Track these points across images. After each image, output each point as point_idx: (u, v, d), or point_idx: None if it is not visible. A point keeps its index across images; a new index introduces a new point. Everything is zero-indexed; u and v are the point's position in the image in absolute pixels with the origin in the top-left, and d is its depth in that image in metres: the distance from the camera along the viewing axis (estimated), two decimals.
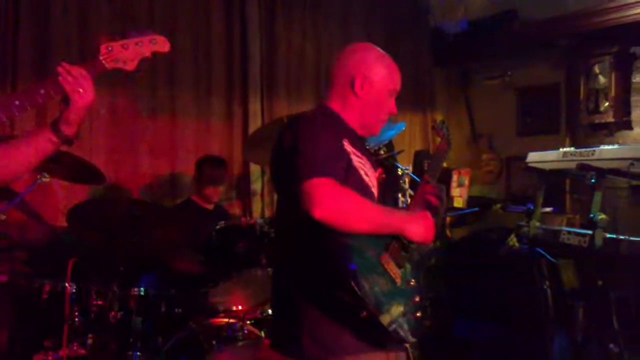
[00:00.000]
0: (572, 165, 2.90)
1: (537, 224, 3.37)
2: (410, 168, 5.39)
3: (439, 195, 2.16)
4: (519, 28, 5.02)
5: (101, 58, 1.80)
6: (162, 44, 1.89)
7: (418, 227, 1.95)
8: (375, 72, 2.04)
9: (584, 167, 2.74)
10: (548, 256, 3.18)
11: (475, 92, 5.73)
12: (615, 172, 2.68)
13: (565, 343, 3.46)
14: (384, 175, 2.11)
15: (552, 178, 3.29)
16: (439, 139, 2.51)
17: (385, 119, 2.12)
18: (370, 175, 2.01)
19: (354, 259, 1.79)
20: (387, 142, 3.94)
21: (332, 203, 1.75)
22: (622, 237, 2.71)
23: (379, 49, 2.12)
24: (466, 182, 5.49)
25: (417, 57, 5.59)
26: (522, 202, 4.27)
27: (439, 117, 5.85)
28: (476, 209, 4.76)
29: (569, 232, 3.02)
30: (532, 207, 3.24)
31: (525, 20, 5.03)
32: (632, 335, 2.81)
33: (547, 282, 3.58)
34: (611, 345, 2.84)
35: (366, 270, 1.80)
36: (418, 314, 1.94)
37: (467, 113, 5.77)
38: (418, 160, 5.40)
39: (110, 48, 1.81)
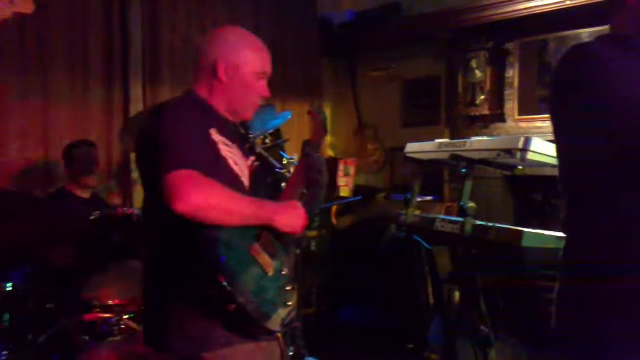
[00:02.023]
0: (447, 155, 3.01)
1: (415, 212, 3.48)
2: (297, 157, 5.44)
3: (319, 168, 2.17)
4: (402, 21, 5.15)
5: None
6: (23, 4, 1.74)
7: (288, 218, 1.93)
8: (239, 55, 1.99)
9: (455, 157, 2.85)
10: (424, 243, 3.29)
11: (362, 83, 5.83)
12: (484, 162, 2.80)
13: (441, 326, 3.61)
14: (256, 164, 2.09)
15: (430, 168, 3.39)
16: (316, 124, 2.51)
17: (256, 102, 2.07)
18: (240, 164, 1.97)
19: (222, 252, 1.75)
20: (272, 130, 3.92)
21: (193, 196, 1.69)
22: (490, 224, 2.84)
23: (244, 30, 2.07)
24: (352, 171, 5.60)
25: (305, 47, 5.60)
26: (405, 191, 4.40)
27: (326, 107, 5.92)
28: (359, 197, 4.86)
29: (443, 220, 3.12)
30: (409, 196, 3.33)
31: (409, 14, 5.16)
32: (498, 316, 2.97)
33: (425, 268, 3.72)
34: (481, 327, 2.98)
35: (235, 262, 1.77)
36: (289, 303, 1.94)
37: (353, 103, 5.86)
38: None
39: None
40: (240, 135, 2.20)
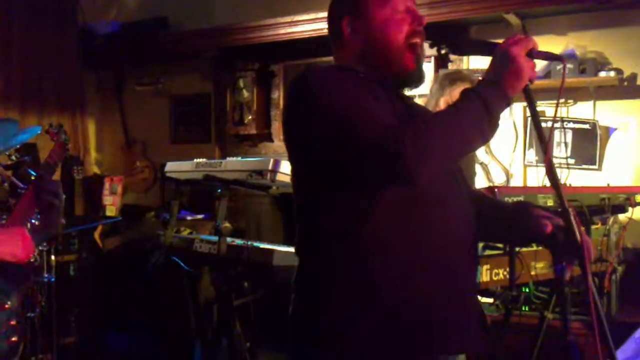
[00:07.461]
0: (202, 175, 2.98)
1: (185, 232, 3.41)
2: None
3: (55, 192, 2.03)
4: (169, 36, 5.05)
5: None
6: None
7: (8, 246, 1.79)
8: None
9: (208, 178, 2.84)
10: (183, 265, 3.22)
11: (129, 97, 5.60)
12: (238, 182, 2.82)
13: (203, 347, 3.57)
14: None
15: (188, 187, 3.35)
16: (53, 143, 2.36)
17: None
18: None
19: None
20: (18, 146, 3.57)
21: None
22: (248, 243, 2.87)
23: None
24: (119, 189, 5.34)
25: (64, 57, 5.20)
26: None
27: (90, 121, 5.59)
28: (120, 218, 4.64)
29: (201, 240, 3.10)
30: (168, 217, 3.24)
31: (176, 29, 5.08)
32: (253, 333, 3.01)
33: (188, 290, 3.65)
34: (238, 345, 2.99)
35: None
36: (14, 339, 1.79)
37: (120, 118, 5.61)
38: (64, 165, 5.06)
39: None
40: None
